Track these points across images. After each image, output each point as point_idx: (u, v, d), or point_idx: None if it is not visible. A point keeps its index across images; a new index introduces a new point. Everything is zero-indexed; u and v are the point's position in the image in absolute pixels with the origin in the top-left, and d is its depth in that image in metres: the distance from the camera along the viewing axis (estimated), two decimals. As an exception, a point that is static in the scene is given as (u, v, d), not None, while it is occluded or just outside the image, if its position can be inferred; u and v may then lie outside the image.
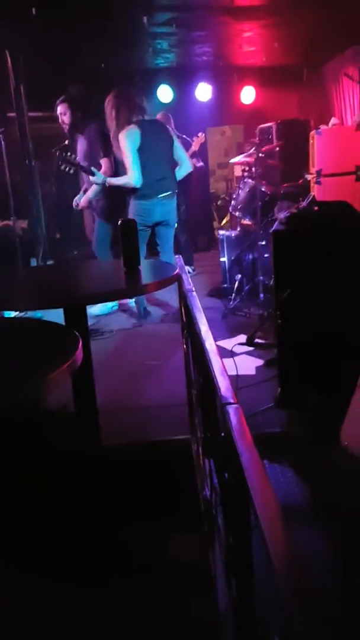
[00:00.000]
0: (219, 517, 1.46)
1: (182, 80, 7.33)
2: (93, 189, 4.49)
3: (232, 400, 1.02)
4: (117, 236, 2.13)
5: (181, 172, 4.16)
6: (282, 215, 2.63)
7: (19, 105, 5.74)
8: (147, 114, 4.09)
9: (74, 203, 4.74)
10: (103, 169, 4.46)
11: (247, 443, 0.90)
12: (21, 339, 1.36)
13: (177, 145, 4.13)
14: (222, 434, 0.97)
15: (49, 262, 6.09)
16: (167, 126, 4.26)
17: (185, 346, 2.58)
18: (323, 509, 2.01)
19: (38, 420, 2.04)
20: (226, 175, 8.49)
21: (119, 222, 2.13)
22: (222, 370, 1.13)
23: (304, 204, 2.68)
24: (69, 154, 4.24)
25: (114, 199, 4.49)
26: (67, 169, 4.21)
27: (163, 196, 4.00)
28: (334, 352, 2.49)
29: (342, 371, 2.42)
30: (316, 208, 2.62)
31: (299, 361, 2.68)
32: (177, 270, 2.10)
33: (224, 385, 1.06)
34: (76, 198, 4.73)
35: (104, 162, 4.56)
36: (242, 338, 3.86)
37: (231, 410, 0.99)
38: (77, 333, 1.41)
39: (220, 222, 8.36)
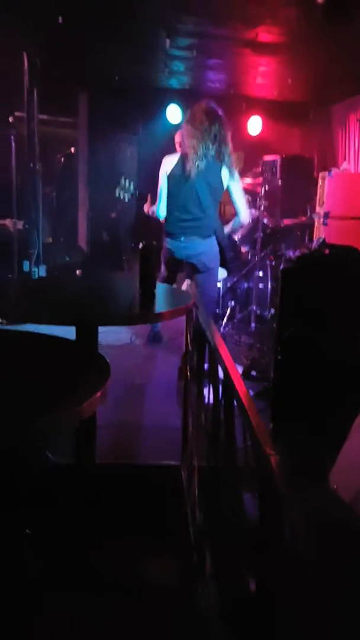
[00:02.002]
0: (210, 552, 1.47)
1: (192, 102, 7.42)
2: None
3: (271, 452, 1.04)
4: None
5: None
6: (291, 253, 2.68)
7: (30, 107, 5.74)
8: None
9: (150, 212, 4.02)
10: None
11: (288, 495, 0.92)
12: (54, 359, 1.37)
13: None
14: (264, 480, 0.98)
15: (42, 267, 6.06)
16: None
17: (187, 374, 2.59)
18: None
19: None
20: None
21: (140, 245, 2.15)
22: (256, 416, 1.15)
23: (314, 245, 2.74)
24: (126, 182, 4.05)
25: None
26: (122, 196, 4.05)
27: (185, 239, 3.60)
28: (332, 393, 2.54)
29: (339, 412, 2.46)
30: (327, 251, 2.69)
31: (294, 398, 2.72)
32: (192, 300, 2.12)
33: (262, 434, 1.08)
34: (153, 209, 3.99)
35: None
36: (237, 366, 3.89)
37: (273, 460, 1.01)
38: (105, 359, 1.42)
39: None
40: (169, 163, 3.64)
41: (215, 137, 3.51)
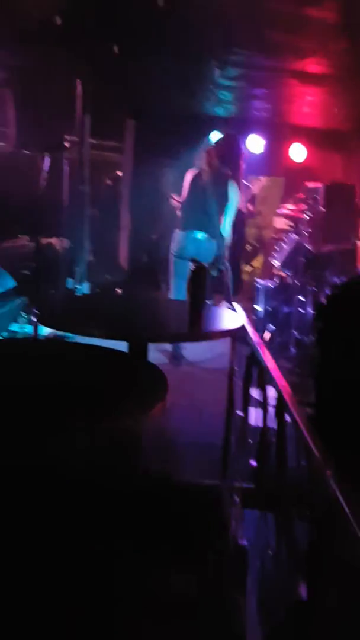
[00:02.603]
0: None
1: (235, 129, 7.57)
2: None
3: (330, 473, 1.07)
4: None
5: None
6: (336, 279, 2.71)
7: (82, 132, 5.96)
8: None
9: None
10: None
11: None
12: (118, 372, 1.43)
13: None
14: (322, 502, 1.01)
15: (84, 285, 6.22)
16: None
17: (228, 394, 2.63)
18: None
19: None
20: (259, 223, 8.67)
21: (192, 267, 2.22)
22: (314, 437, 1.19)
23: (360, 272, 2.76)
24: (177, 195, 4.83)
25: None
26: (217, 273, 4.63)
27: (194, 233, 4.39)
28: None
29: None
30: (373, 278, 2.70)
31: (336, 424, 2.72)
32: (242, 323, 2.17)
33: (321, 456, 1.11)
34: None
35: None
36: (270, 389, 3.90)
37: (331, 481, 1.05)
38: (163, 373, 1.48)
39: (247, 265, 8.52)
40: (189, 176, 4.52)
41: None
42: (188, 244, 4.40)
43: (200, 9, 3.60)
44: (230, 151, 4.51)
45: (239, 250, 6.82)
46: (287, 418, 1.43)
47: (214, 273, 4.64)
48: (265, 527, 1.56)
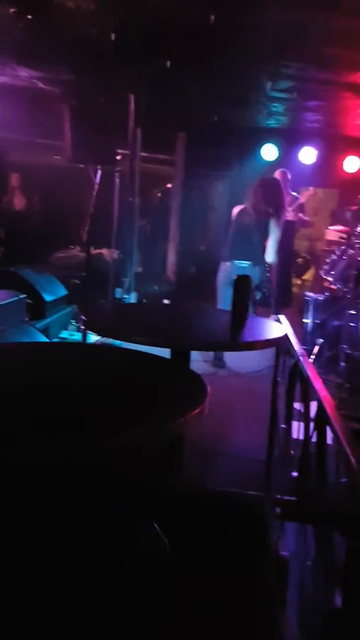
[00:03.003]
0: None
1: (288, 141, 7.55)
2: None
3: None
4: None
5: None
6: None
7: (133, 146, 6.07)
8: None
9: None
10: None
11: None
12: (156, 378, 1.45)
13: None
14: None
15: (132, 295, 6.30)
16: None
17: (272, 404, 2.61)
18: None
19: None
20: (310, 235, 8.57)
21: (235, 277, 2.23)
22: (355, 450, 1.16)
23: None
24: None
25: None
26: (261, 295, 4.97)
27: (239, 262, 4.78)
28: None
29: None
30: None
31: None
32: (284, 333, 2.15)
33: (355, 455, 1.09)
34: None
35: None
36: (313, 402, 3.83)
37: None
38: (202, 379, 1.49)
39: (300, 278, 8.42)
40: (236, 211, 4.96)
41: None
42: (234, 272, 4.58)
43: (252, 23, 3.63)
44: (272, 192, 4.90)
45: (288, 265, 6.80)
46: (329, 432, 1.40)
47: (258, 295, 4.97)
48: (305, 540, 1.53)
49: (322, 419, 1.41)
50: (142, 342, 1.98)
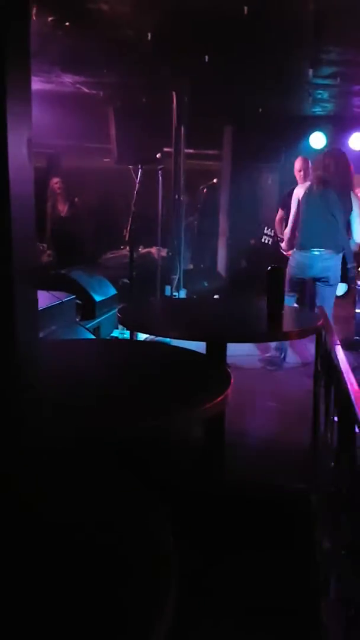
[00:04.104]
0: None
1: (336, 128, 7.37)
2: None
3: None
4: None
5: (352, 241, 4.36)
6: None
7: (177, 143, 6.11)
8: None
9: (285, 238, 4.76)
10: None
11: None
12: (185, 368, 1.48)
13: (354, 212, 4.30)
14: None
15: (182, 291, 6.35)
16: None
17: (314, 395, 2.57)
18: None
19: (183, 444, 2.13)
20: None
21: (268, 268, 2.21)
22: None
23: None
24: (269, 229, 5.11)
25: None
26: (266, 240, 4.81)
27: (318, 251, 4.17)
28: None
29: None
30: None
31: None
32: (321, 321, 2.12)
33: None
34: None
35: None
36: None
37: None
38: (229, 371, 1.49)
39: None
40: (300, 191, 4.35)
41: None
42: (313, 264, 4.17)
43: (286, 10, 3.58)
44: (343, 164, 4.31)
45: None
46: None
47: (341, 291, 4.49)
48: (344, 530, 1.52)
49: (348, 411, 1.39)
50: (174, 336, 2.01)
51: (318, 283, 4.24)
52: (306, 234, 4.20)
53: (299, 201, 4.28)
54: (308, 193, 4.23)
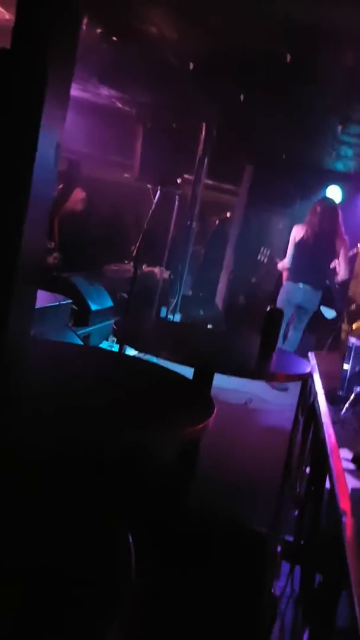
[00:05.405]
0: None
1: (355, 185, 7.52)
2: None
3: (347, 514, 1.03)
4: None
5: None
6: None
7: (199, 172, 6.21)
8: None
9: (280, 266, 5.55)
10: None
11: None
12: (171, 390, 1.48)
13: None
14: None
15: (177, 315, 6.37)
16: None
17: (290, 441, 2.57)
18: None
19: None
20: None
21: (268, 308, 2.24)
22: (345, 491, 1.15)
23: None
24: (266, 249, 5.81)
25: None
26: (263, 259, 5.70)
27: (303, 285, 5.05)
28: None
29: None
30: None
31: None
32: (309, 369, 2.14)
33: (344, 499, 1.08)
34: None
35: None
36: (345, 452, 3.73)
37: (345, 520, 1.01)
38: (211, 400, 1.50)
39: (349, 325, 8.24)
40: (297, 231, 5.21)
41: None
42: (295, 293, 5.06)
43: (327, 63, 3.68)
44: (330, 213, 5.18)
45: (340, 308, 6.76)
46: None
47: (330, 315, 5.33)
48: (292, 580, 1.51)
49: (323, 462, 1.39)
50: (163, 357, 2.01)
51: (299, 309, 5.16)
52: (295, 269, 5.11)
53: (295, 240, 5.17)
54: (302, 235, 5.10)
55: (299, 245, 5.13)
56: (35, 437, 1.05)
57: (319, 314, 5.94)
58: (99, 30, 3.95)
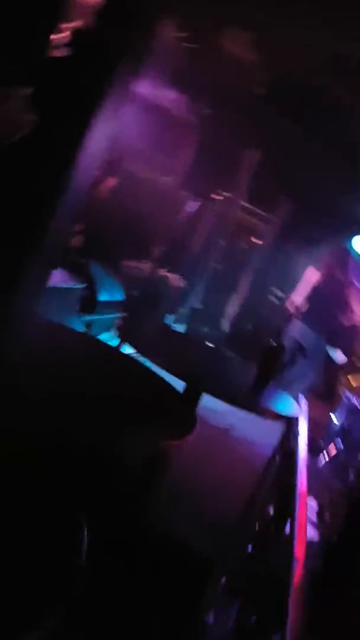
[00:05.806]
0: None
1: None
2: None
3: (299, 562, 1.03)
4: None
5: None
6: None
7: (236, 193, 6.25)
8: None
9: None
10: None
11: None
12: (158, 397, 1.48)
13: None
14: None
15: (180, 326, 6.37)
16: None
17: (261, 477, 2.56)
18: None
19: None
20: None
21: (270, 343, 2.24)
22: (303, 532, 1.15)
23: None
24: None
25: None
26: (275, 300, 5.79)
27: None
28: None
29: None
30: None
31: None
32: (296, 413, 2.14)
33: (300, 547, 1.08)
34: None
35: None
36: (311, 501, 3.70)
37: (296, 567, 1.01)
38: (195, 419, 1.50)
39: (350, 378, 8.24)
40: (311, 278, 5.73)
41: None
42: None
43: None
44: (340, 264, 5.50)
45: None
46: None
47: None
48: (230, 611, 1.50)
49: (288, 506, 1.39)
50: (158, 364, 2.01)
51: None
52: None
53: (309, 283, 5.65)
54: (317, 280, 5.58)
55: (313, 289, 5.35)
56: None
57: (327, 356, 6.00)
58: (179, 35, 3.99)
